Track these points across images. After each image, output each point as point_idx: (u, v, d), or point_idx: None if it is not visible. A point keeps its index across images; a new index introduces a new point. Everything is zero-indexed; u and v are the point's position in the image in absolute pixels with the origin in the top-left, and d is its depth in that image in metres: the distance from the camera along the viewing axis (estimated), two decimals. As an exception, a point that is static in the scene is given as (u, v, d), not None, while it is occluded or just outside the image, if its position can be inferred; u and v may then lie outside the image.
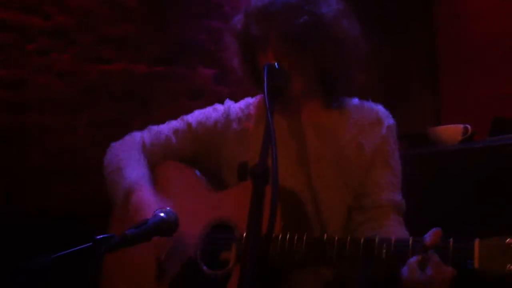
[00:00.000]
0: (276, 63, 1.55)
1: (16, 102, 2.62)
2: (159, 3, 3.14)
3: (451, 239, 1.29)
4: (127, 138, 1.96)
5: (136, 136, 1.95)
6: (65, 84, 2.76)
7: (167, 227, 1.51)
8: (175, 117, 2.16)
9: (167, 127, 1.95)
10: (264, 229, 1.12)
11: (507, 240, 1.16)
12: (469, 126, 2.67)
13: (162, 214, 1.52)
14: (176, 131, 1.92)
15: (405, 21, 4.09)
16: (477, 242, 1.22)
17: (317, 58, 1.65)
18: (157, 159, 1.90)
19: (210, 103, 3.27)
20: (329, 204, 1.69)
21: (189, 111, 2.03)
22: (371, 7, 3.96)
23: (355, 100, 1.81)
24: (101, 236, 1.31)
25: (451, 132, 2.72)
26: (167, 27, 3.15)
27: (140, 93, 3.01)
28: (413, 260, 1.30)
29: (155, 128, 1.96)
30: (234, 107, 1.94)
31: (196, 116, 1.94)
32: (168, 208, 1.54)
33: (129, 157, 1.84)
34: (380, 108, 1.79)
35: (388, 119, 1.76)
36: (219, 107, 1.94)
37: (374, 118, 1.74)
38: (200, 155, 1.90)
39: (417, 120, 3.57)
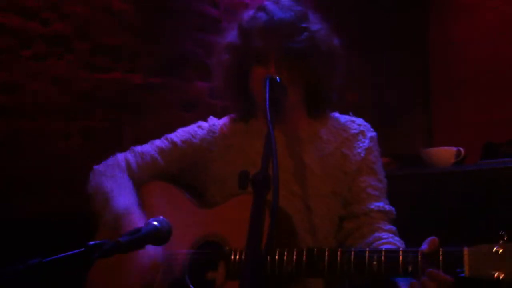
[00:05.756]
0: (277, 77, 1.61)
1: (10, 106, 2.59)
2: (156, 15, 3.15)
3: (441, 248, 1.33)
4: (110, 161, 1.92)
5: (120, 159, 1.92)
6: (60, 91, 2.74)
7: (160, 235, 1.50)
8: (168, 128, 2.13)
9: (151, 147, 1.93)
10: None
11: (495, 248, 1.22)
12: (462, 149, 2.72)
13: (155, 223, 1.50)
14: (161, 151, 1.91)
15: (399, 46, 4.15)
16: (466, 250, 1.27)
17: (312, 71, 1.74)
18: (144, 179, 1.89)
19: (203, 115, 3.26)
20: (319, 212, 1.74)
21: (182, 122, 2.03)
22: (367, 32, 4.01)
23: (336, 114, 1.89)
24: (94, 242, 1.29)
25: (445, 154, 2.76)
26: (163, 39, 3.16)
27: (134, 103, 2.99)
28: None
29: (139, 149, 1.94)
30: (219, 123, 1.97)
31: (181, 134, 1.94)
32: (161, 217, 1.52)
33: (115, 186, 1.81)
34: (361, 121, 1.86)
35: (370, 131, 1.84)
36: (204, 125, 1.96)
37: (357, 130, 1.82)
38: (187, 173, 1.91)
39: (409, 142, 3.60)
